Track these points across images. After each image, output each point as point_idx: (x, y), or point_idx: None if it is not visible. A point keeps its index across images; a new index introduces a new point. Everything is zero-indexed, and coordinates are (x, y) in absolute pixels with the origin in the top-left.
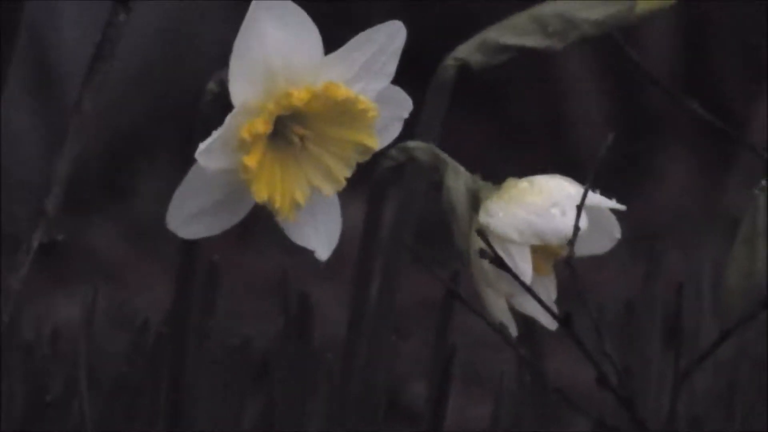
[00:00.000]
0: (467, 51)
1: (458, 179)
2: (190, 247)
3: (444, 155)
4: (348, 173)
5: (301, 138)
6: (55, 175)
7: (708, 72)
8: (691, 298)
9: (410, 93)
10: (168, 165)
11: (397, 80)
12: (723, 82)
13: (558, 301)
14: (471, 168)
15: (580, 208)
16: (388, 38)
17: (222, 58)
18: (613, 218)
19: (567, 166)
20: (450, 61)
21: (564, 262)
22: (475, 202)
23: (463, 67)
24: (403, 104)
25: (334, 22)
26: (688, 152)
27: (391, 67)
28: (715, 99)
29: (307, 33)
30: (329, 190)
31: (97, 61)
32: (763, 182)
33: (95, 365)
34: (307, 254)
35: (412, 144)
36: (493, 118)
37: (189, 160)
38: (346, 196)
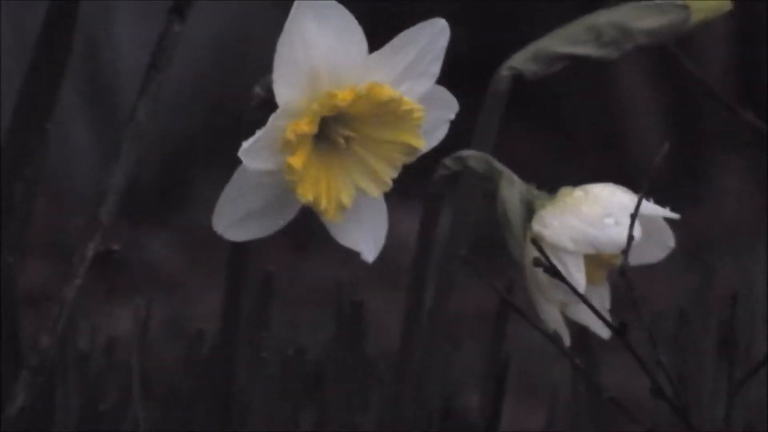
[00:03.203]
0: (522, 60)
1: (512, 189)
2: (240, 256)
3: (498, 164)
4: (394, 175)
5: (346, 139)
6: (111, 185)
7: (763, 82)
8: (745, 308)
9: (467, 101)
10: (223, 174)
11: (453, 87)
12: None
13: (612, 311)
14: (526, 177)
15: (633, 217)
16: (432, 38)
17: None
18: (667, 227)
19: (622, 176)
20: (504, 70)
21: (618, 272)
22: (530, 212)
23: (519, 77)
24: (450, 105)
25: (375, 25)
26: (743, 162)
27: (436, 68)
28: None
29: (350, 32)
30: (375, 192)
31: (153, 71)
32: None
33: (150, 375)
34: (363, 263)
35: (466, 153)
36: (549, 127)
37: None
38: (401, 204)
